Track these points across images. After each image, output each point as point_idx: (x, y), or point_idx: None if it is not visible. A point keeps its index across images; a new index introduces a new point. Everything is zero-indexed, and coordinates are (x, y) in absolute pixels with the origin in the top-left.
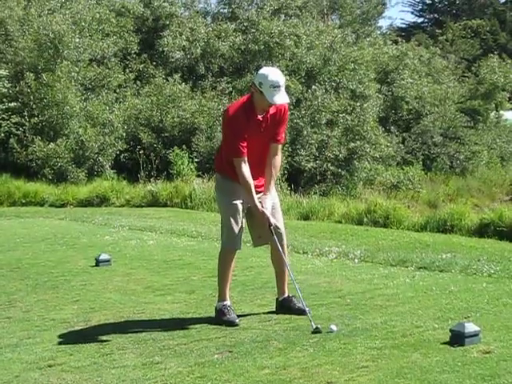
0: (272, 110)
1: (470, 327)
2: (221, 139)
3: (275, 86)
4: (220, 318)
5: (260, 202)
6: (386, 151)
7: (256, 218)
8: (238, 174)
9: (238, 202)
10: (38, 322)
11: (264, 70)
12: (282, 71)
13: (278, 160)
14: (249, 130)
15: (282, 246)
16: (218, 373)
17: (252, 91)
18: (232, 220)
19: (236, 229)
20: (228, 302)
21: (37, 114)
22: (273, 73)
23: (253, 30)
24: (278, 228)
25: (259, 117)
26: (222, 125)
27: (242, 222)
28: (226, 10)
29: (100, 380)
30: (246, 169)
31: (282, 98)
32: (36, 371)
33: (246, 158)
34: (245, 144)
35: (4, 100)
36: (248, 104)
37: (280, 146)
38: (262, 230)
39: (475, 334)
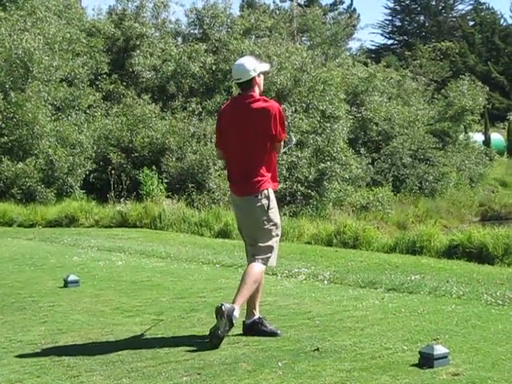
0: None
1: (439, 349)
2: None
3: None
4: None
5: None
6: (356, 172)
7: None
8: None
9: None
10: (5, 343)
11: (248, 59)
12: None
13: None
14: None
15: None
16: None
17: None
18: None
19: None
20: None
21: (6, 133)
22: (250, 57)
23: (224, 50)
24: None
25: None
26: (275, 121)
27: None
28: (196, 31)
29: None
30: None
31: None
32: None
33: None
34: None
35: None
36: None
37: None
38: None
39: (444, 356)
